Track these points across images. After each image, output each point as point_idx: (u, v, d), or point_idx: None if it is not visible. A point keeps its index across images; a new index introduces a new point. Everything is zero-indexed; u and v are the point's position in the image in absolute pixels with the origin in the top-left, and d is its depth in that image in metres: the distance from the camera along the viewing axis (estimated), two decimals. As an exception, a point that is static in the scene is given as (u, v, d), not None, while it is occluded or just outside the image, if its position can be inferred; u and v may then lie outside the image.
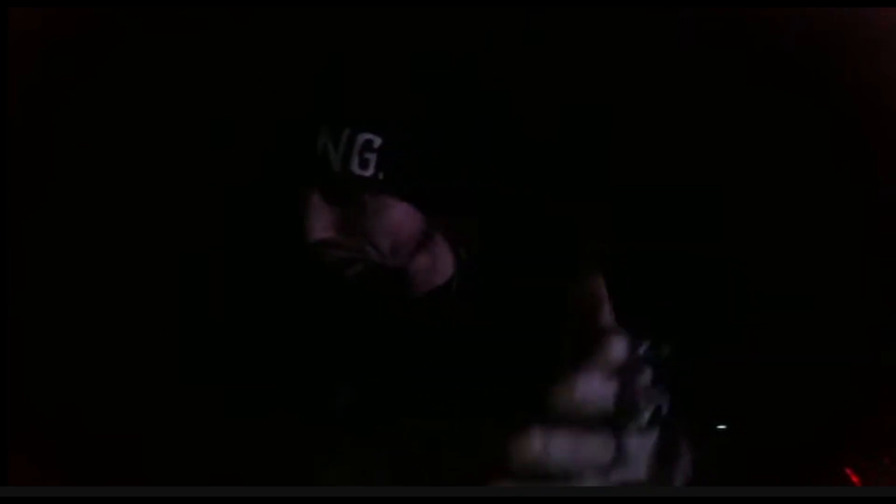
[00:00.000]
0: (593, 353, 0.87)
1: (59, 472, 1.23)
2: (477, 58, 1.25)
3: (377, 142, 1.10)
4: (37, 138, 1.40)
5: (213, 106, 1.42)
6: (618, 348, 0.86)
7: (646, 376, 0.93)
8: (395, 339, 1.16)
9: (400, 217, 1.13)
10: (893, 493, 1.05)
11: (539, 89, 1.39)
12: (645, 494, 1.03)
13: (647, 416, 0.93)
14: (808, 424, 1.39)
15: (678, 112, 1.48)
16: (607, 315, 0.89)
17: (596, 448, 0.84)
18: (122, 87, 1.44)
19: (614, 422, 0.86)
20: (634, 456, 0.91)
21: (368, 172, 1.10)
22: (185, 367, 1.27)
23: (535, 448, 0.80)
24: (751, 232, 1.50)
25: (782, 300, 1.47)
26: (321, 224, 1.11)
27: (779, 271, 1.48)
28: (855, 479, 1.29)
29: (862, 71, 1.39)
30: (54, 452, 1.28)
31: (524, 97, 1.28)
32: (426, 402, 1.13)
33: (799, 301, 1.46)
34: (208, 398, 1.17)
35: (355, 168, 1.09)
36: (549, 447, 0.80)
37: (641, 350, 0.95)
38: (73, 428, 1.31)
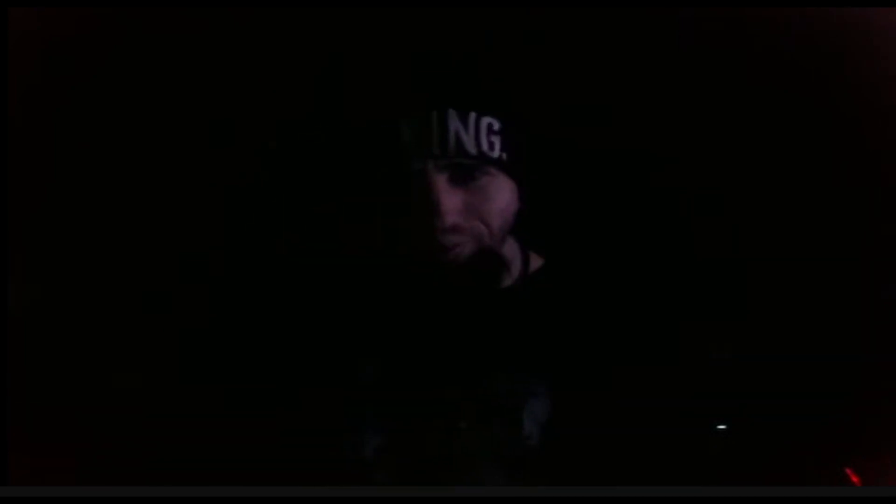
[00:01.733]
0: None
1: (59, 472, 1.23)
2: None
3: (497, 124, 1.14)
4: (37, 138, 1.40)
5: (214, 106, 1.42)
6: None
7: None
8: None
9: (510, 197, 1.17)
10: (893, 493, 1.05)
11: (540, 89, 1.38)
12: (645, 494, 1.03)
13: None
14: (808, 424, 1.39)
15: (678, 112, 1.48)
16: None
17: None
18: (121, 87, 1.44)
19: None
20: None
21: (495, 154, 1.14)
22: (185, 367, 1.27)
23: None
24: (751, 231, 1.49)
25: (782, 300, 1.47)
26: (453, 208, 1.13)
27: (779, 271, 1.48)
28: (855, 479, 1.29)
29: (862, 71, 1.39)
30: (54, 452, 1.28)
31: (529, 96, 1.28)
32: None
33: (799, 301, 1.46)
34: (208, 398, 1.17)
35: (487, 150, 1.13)
36: None
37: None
38: (73, 428, 1.32)
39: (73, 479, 1.18)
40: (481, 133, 1.13)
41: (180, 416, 1.19)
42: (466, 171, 1.13)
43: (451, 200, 1.12)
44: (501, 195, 1.16)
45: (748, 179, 1.49)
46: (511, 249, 1.22)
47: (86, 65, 1.42)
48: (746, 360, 1.38)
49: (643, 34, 1.44)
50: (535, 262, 1.25)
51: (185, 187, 1.45)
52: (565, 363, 1.14)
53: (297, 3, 1.38)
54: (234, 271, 1.38)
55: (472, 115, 1.13)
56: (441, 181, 1.12)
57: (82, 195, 1.44)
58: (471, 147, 1.12)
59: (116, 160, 1.45)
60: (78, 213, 1.44)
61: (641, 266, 1.26)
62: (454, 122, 1.12)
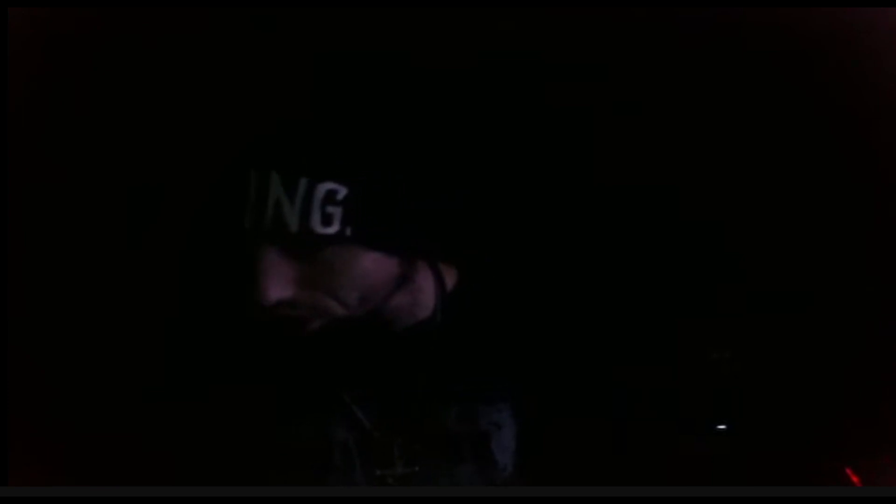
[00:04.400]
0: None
1: (59, 472, 1.23)
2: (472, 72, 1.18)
3: (342, 192, 0.92)
4: (37, 138, 1.40)
5: (214, 106, 1.42)
6: None
7: None
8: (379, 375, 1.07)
9: (370, 267, 0.97)
10: (893, 493, 1.05)
11: (539, 90, 1.39)
12: (645, 495, 1.03)
13: None
14: (808, 424, 1.39)
15: (678, 112, 1.48)
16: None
17: None
18: (121, 87, 1.44)
19: None
20: None
21: (333, 229, 0.92)
22: (185, 368, 1.27)
23: None
24: (751, 231, 1.50)
25: (782, 300, 1.47)
26: (278, 285, 0.94)
27: (779, 271, 1.48)
28: (855, 479, 1.29)
29: (862, 71, 1.39)
30: (54, 452, 1.28)
31: (524, 99, 1.27)
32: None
33: (798, 301, 1.47)
34: (207, 399, 1.17)
35: (316, 226, 0.91)
36: None
37: None
38: (73, 428, 1.32)
39: (73, 479, 1.18)
40: (313, 205, 0.91)
41: (179, 416, 1.19)
42: (300, 244, 0.93)
43: (279, 274, 0.94)
44: (355, 266, 0.95)
45: (747, 179, 1.49)
46: (411, 290, 1.05)
47: (86, 65, 1.42)
48: (745, 361, 1.38)
49: (643, 34, 1.44)
50: (450, 277, 1.12)
51: (183, 187, 1.45)
52: (504, 380, 1.08)
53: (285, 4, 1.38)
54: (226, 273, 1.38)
55: (303, 183, 0.90)
56: (269, 252, 0.93)
57: (82, 195, 1.45)
58: (292, 222, 0.91)
59: (116, 160, 1.46)
60: (78, 212, 1.45)
61: (558, 274, 1.22)
62: (276, 190, 0.91)
